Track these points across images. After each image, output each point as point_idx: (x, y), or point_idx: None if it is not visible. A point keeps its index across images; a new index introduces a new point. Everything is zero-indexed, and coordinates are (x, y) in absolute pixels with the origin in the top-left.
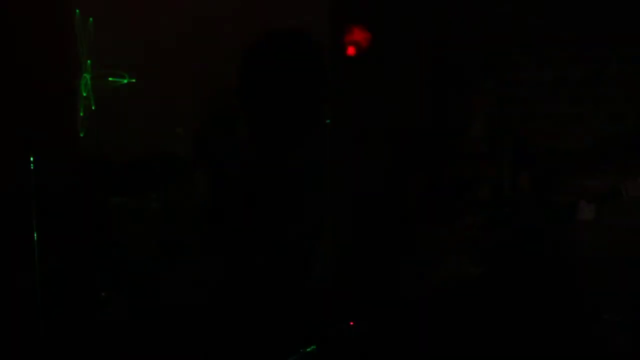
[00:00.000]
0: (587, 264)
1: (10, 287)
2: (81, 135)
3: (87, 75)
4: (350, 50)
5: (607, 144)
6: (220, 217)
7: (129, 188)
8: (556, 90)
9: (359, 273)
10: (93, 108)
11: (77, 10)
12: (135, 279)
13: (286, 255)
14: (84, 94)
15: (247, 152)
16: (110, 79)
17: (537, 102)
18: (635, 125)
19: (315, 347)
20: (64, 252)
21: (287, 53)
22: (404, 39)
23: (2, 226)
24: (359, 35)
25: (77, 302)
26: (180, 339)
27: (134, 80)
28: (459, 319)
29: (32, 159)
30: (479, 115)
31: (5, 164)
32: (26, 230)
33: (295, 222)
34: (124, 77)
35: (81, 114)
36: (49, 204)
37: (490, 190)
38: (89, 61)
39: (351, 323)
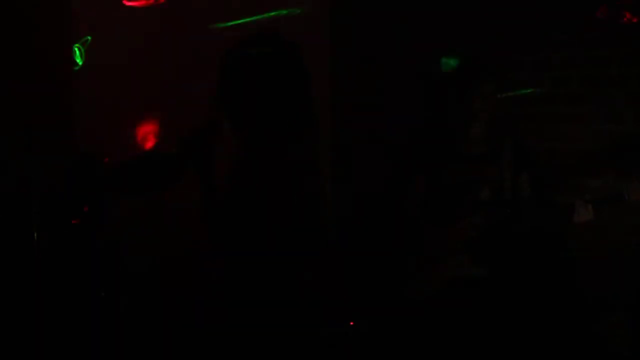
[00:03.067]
0: (588, 264)
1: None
2: None
3: None
4: None
5: (607, 144)
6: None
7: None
8: (556, 90)
9: (358, 273)
10: None
11: None
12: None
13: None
14: None
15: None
16: None
17: (537, 102)
18: (636, 126)
19: None
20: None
21: (259, 57)
22: (404, 40)
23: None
24: None
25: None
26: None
27: None
28: (459, 320)
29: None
30: (478, 116)
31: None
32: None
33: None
34: None
35: None
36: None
37: (491, 191)
38: None
39: (351, 323)
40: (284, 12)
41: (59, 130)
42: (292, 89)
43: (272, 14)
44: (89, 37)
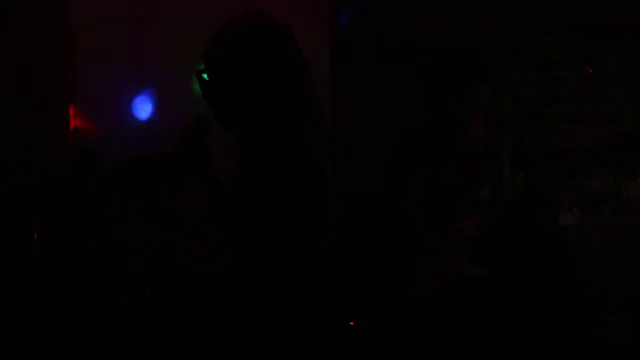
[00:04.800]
0: (588, 263)
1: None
2: None
3: None
4: None
5: (607, 144)
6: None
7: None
8: (556, 90)
9: (359, 273)
10: None
11: None
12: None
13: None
14: None
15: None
16: None
17: (537, 102)
18: (635, 125)
19: None
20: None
21: (246, 41)
22: (404, 39)
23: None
24: None
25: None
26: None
27: None
28: (459, 319)
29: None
30: (478, 116)
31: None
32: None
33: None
34: None
35: None
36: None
37: (491, 191)
38: None
39: (351, 323)
40: None
41: (58, 129)
42: (284, 76)
43: None
44: None
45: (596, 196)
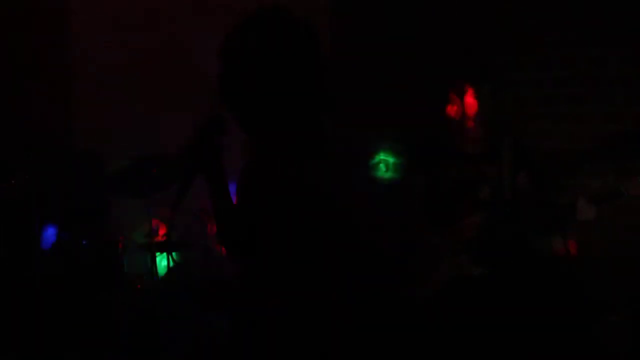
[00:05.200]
0: (588, 264)
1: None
2: None
3: None
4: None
5: (607, 144)
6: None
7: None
8: (556, 90)
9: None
10: None
11: None
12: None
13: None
14: None
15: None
16: None
17: (537, 102)
18: (636, 125)
19: None
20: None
21: (263, 38)
22: (404, 40)
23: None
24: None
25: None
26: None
27: None
28: (459, 319)
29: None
30: (478, 116)
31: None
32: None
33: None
34: None
35: None
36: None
37: (491, 191)
38: None
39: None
40: None
41: (58, 129)
42: (303, 74)
43: None
44: None
45: (596, 196)
